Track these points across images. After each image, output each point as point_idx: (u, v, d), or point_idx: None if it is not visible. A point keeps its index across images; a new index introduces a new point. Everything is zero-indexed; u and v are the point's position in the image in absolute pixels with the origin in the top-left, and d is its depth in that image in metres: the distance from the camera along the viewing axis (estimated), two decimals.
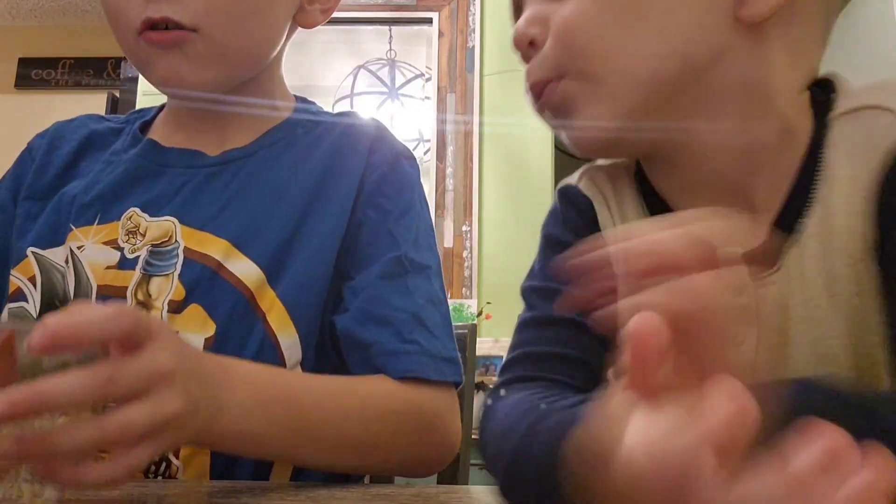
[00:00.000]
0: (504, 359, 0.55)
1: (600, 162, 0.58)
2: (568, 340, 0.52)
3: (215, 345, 0.61)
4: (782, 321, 0.48)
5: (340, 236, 0.66)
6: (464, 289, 2.41)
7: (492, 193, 2.50)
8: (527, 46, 0.52)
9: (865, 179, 0.47)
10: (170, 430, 0.43)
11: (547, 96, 0.51)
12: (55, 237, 0.67)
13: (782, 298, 0.49)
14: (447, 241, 2.45)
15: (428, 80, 2.76)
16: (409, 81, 2.93)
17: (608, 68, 0.49)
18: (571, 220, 0.57)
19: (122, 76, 3.02)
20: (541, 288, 0.56)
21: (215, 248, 0.64)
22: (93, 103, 3.01)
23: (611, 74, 0.49)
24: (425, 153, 2.73)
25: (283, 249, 0.65)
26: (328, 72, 2.69)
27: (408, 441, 0.61)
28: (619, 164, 0.57)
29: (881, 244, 0.46)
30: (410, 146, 2.74)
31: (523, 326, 0.55)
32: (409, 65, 2.96)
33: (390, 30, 2.88)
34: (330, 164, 0.69)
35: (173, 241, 0.65)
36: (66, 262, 0.65)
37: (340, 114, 0.76)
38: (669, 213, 0.53)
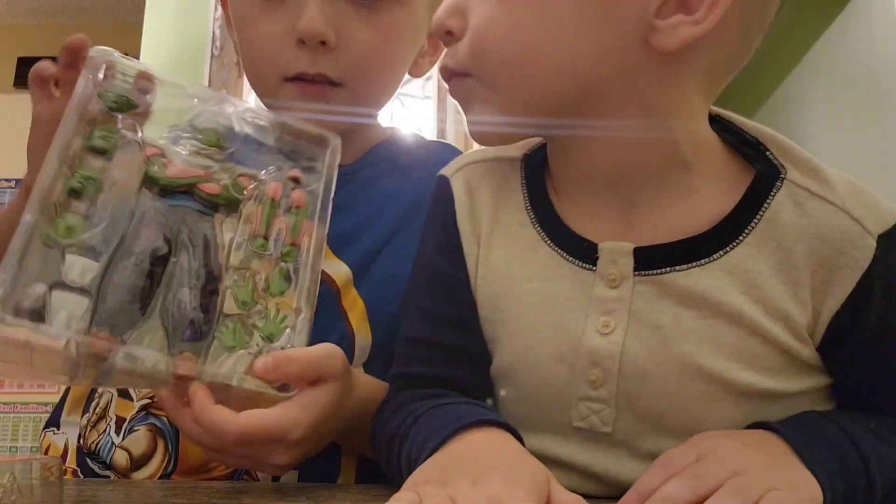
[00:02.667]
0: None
1: (484, 152, 0.61)
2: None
3: None
4: (670, 325, 0.49)
5: None
6: None
7: None
8: (445, 35, 0.54)
9: (807, 272, 0.48)
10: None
11: (453, 87, 0.55)
12: None
13: (659, 306, 0.50)
14: None
15: (428, 79, 2.75)
16: (409, 80, 2.91)
17: (509, 79, 0.51)
18: (439, 218, 0.61)
19: None
20: (425, 310, 0.60)
21: None
22: None
23: (510, 85, 0.51)
24: None
25: (371, 257, 0.72)
26: None
27: None
28: (505, 156, 0.60)
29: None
30: None
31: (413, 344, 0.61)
32: None
33: None
34: (425, 189, 0.76)
35: None
36: None
37: (434, 142, 0.84)
38: (548, 203, 0.57)
